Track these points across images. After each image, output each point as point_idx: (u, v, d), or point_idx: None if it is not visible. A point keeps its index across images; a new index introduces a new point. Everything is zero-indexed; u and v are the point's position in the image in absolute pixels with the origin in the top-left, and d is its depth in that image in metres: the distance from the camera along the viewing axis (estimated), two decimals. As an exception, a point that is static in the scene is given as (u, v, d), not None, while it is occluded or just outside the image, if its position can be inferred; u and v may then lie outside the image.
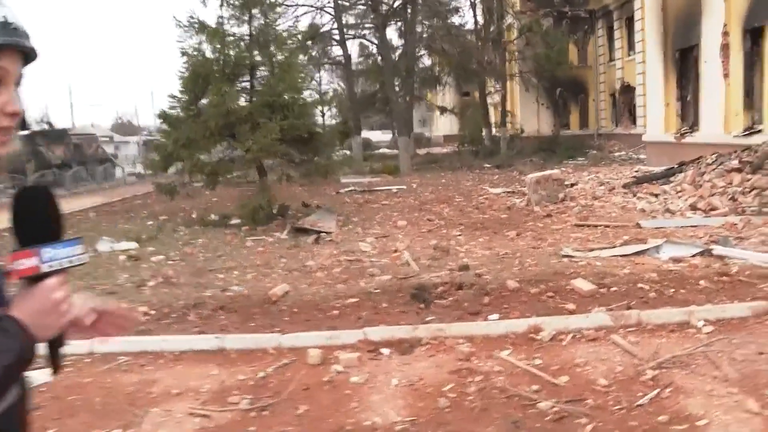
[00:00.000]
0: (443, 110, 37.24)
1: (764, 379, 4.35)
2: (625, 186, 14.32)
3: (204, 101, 13.11)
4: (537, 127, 34.24)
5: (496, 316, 5.87)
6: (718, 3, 17.80)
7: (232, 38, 13.51)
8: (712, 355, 4.77)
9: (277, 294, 6.79)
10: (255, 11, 13.55)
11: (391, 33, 34.38)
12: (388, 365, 4.92)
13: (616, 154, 26.65)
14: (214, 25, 13.35)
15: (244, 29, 13.66)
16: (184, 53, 13.22)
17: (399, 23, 33.27)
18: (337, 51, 34.08)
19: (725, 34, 17.65)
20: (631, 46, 27.61)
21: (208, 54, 13.33)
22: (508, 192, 15.77)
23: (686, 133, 20.16)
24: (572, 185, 15.44)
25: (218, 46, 13.28)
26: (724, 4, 17.60)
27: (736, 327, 5.38)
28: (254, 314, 6.34)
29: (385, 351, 5.17)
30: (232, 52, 13.30)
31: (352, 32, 33.49)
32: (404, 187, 18.64)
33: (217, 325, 6.03)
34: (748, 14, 16.80)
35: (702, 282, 6.74)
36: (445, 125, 47.74)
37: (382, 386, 4.55)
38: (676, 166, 14.57)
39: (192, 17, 13.15)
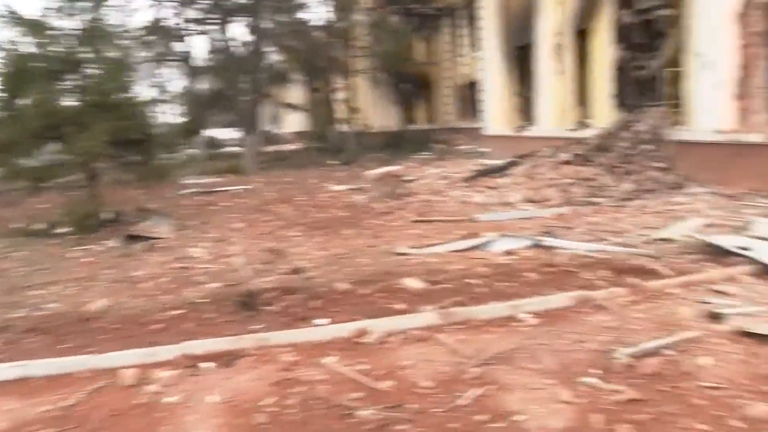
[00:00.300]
0: (290, 107, 36.80)
1: (579, 367, 4.45)
2: (465, 180, 14.61)
3: (25, 100, 12.15)
4: (384, 123, 34.57)
5: (324, 320, 5.71)
6: (551, 4, 18.61)
7: (57, 32, 12.60)
8: (534, 348, 4.82)
9: (94, 310, 6.32)
10: (84, 3, 12.72)
11: (242, 29, 33.49)
12: (208, 381, 4.64)
13: (461, 147, 27.28)
14: (37, 17, 12.41)
15: (73, 23, 12.79)
16: (1, 48, 12.23)
17: (246, 18, 32.40)
18: (183, 47, 32.87)
19: (557, 34, 18.47)
20: (474, 43, 28.33)
21: (29, 49, 12.38)
22: (352, 189, 15.72)
23: (524, 127, 20.95)
24: (413, 180, 15.59)
25: (40, 40, 12.36)
26: (556, 5, 18.41)
27: (559, 317, 5.50)
28: (69, 334, 5.84)
29: (207, 365, 4.88)
30: (57, 48, 12.42)
31: (196, 28, 32.35)
32: (249, 186, 18.21)
33: (24, 350, 5.50)
34: (576, 16, 17.63)
35: (530, 274, 6.90)
36: (295, 122, 47.18)
37: (198, 405, 4.27)
38: (513, 159, 15.02)
39: (8, 8, 12.18)
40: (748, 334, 4.84)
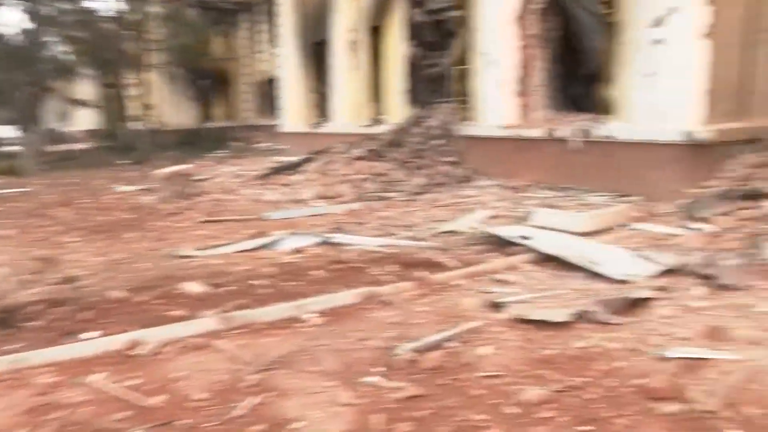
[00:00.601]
0: (78, 103, 34.57)
1: (362, 366, 4.38)
2: (259, 178, 14.32)
3: None
4: (180, 120, 33.42)
5: (93, 333, 5.21)
6: (345, 1, 18.72)
7: None
8: (316, 350, 4.68)
9: None
10: None
11: (18, 15, 30.78)
12: (-58, 419, 4.03)
13: (259, 145, 26.94)
14: None
15: None
16: None
17: (23, 3, 29.81)
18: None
19: (352, 30, 18.61)
20: (273, 39, 28.09)
21: None
22: (140, 190, 14.88)
23: (320, 123, 20.98)
24: (206, 179, 15.08)
25: None
26: (350, 2, 18.55)
27: (344, 315, 5.43)
28: None
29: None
30: None
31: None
32: (26, 189, 16.71)
33: None
34: (370, 13, 17.84)
35: (318, 272, 6.79)
36: (86, 119, 44.34)
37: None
38: (308, 156, 14.93)
39: None
40: (526, 321, 5.01)
